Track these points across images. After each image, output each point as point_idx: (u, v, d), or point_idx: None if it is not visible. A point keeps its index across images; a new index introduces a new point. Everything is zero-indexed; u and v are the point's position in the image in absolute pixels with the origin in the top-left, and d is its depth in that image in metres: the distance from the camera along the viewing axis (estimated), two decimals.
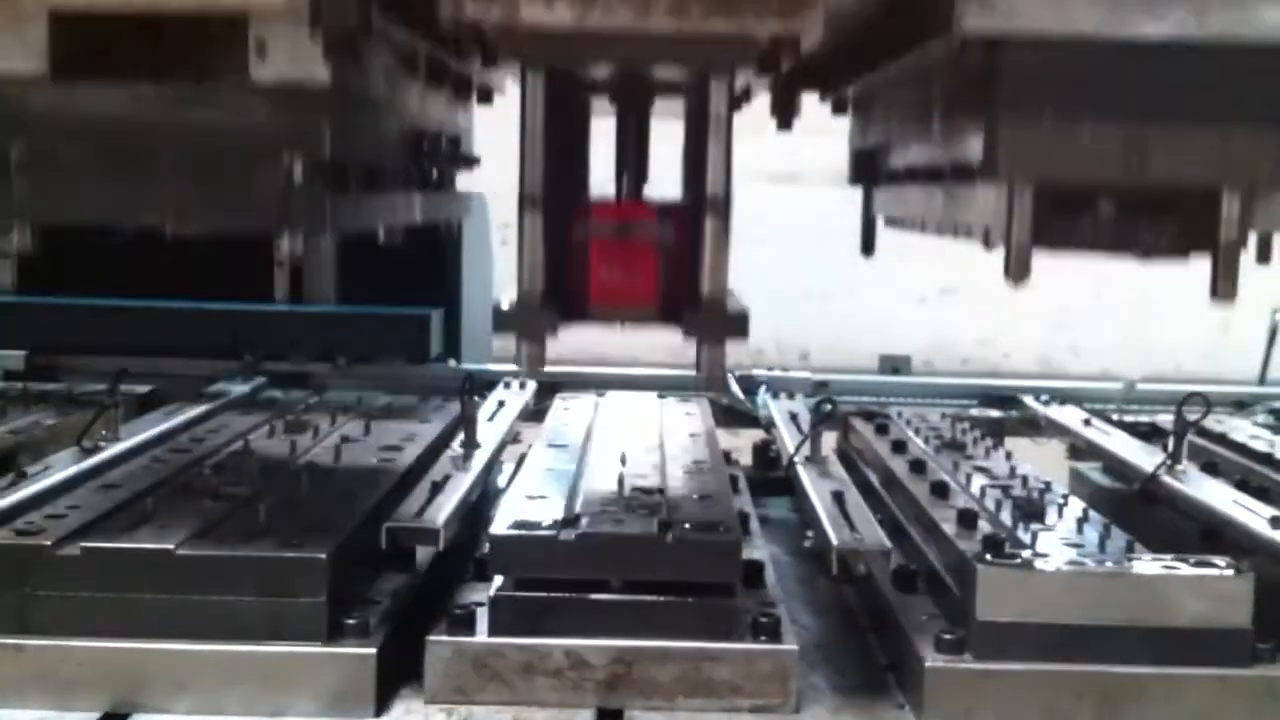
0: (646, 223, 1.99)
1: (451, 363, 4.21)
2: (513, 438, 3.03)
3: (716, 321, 1.95)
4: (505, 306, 2.00)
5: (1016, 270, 1.89)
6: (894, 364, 4.08)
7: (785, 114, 3.05)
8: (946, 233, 2.35)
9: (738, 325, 2.00)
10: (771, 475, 3.27)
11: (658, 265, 2.00)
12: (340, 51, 1.84)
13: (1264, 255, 2.05)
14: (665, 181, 2.46)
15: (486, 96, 3.20)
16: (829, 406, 2.85)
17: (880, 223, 3.11)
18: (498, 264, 4.95)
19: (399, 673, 1.97)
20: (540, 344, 1.99)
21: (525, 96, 1.97)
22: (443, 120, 2.80)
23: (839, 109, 3.09)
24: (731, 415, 3.57)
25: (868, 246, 3.12)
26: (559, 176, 2.05)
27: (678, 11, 1.78)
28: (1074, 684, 1.92)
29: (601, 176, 2.39)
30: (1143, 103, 1.84)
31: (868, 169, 2.99)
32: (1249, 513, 2.37)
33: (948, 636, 1.96)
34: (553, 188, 1.98)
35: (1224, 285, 1.93)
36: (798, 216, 7.97)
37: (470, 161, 3.13)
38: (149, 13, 1.80)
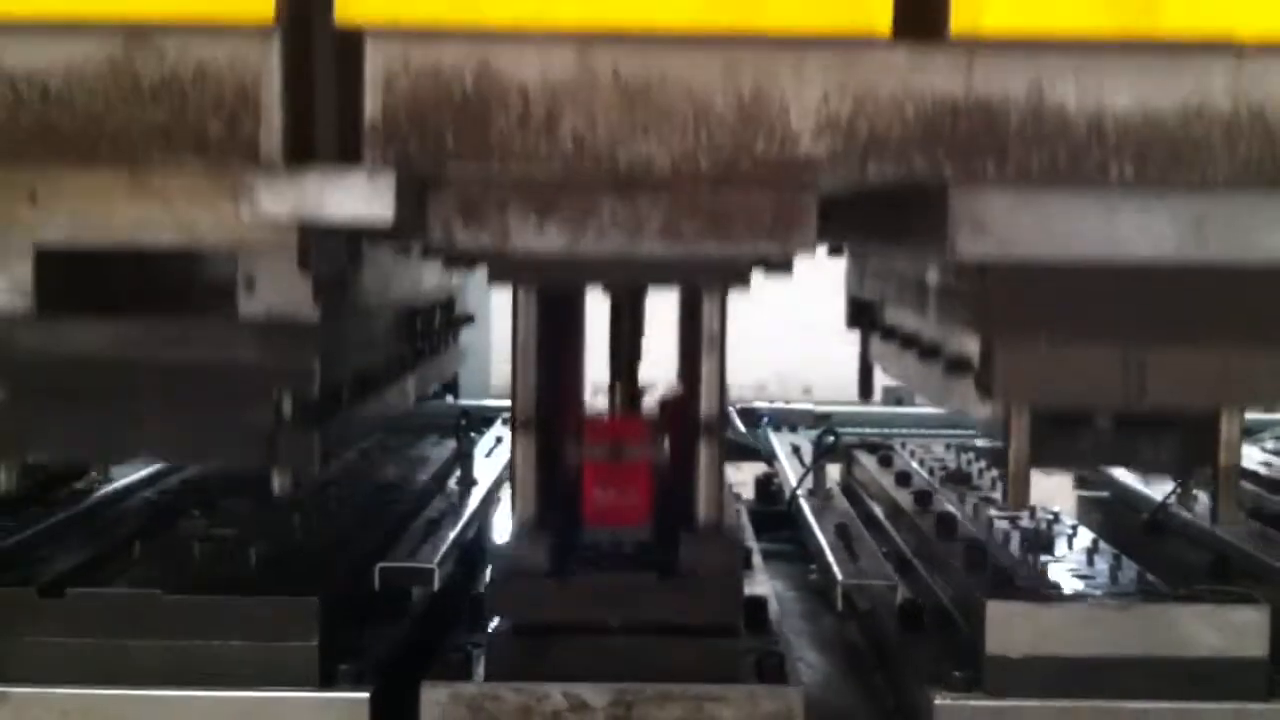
0: (639, 445, 1.97)
1: (449, 399, 4.17)
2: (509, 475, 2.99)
3: (711, 549, 1.93)
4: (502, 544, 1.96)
5: (1016, 497, 1.88)
6: (897, 395, 4.03)
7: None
8: (944, 409, 2.33)
9: (731, 555, 1.96)
10: (774, 509, 3.23)
11: (650, 484, 1.99)
12: (330, 289, 1.83)
13: None
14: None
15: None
16: (832, 439, 2.81)
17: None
18: (496, 303, 4.91)
19: (394, 718, 1.92)
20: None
21: (517, 315, 1.95)
22: (436, 288, 2.77)
23: (835, 252, 3.06)
24: (733, 449, 3.53)
25: (865, 391, 3.08)
26: (552, 381, 2.04)
27: (669, 234, 1.73)
28: (1087, 718, 1.87)
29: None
30: (1140, 324, 1.80)
31: (865, 316, 2.97)
32: (1262, 541, 2.32)
33: (957, 674, 1.91)
34: (546, 403, 1.97)
35: (1225, 510, 1.90)
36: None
37: (465, 320, 3.09)
38: (136, 249, 1.78)
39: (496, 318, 4.91)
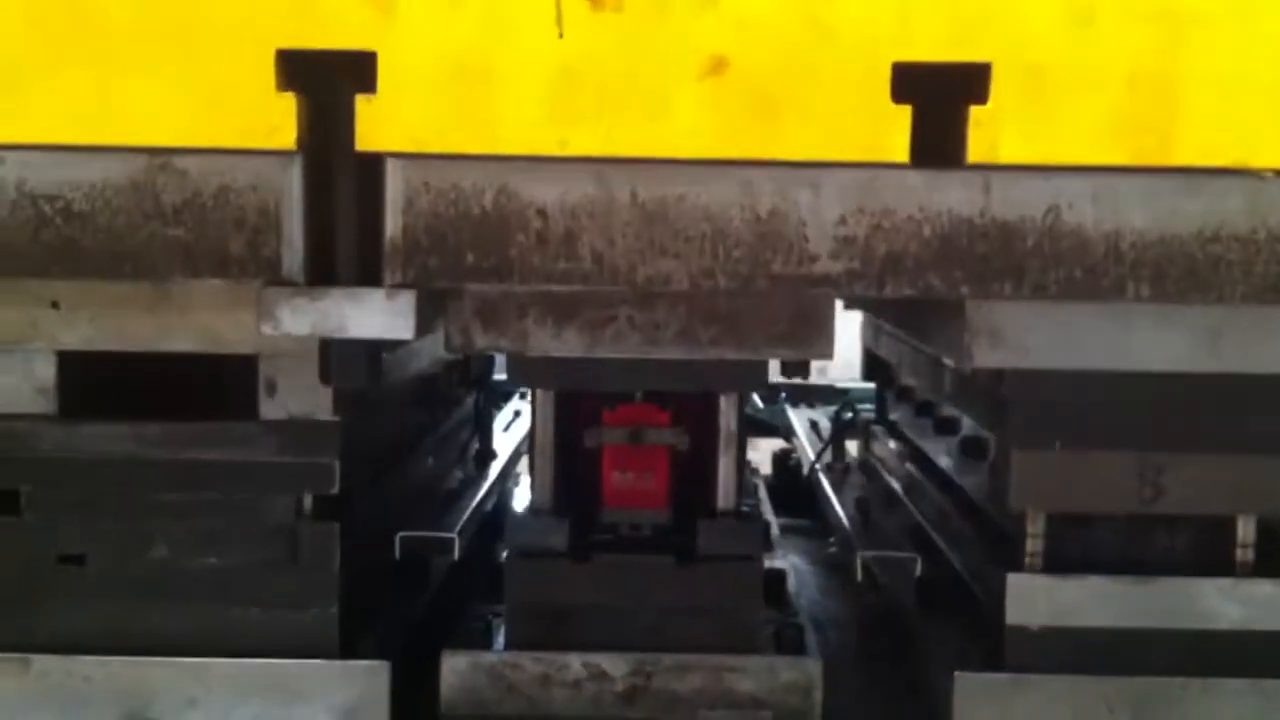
0: (658, 429, 1.98)
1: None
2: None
3: (731, 540, 1.94)
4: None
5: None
6: None
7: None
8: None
9: (751, 541, 1.98)
10: (792, 484, 3.23)
11: (669, 469, 2.00)
12: (350, 399, 1.87)
13: None
14: None
15: None
16: (850, 414, 2.80)
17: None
18: None
19: (414, 686, 1.93)
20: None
21: (535, 416, 2.00)
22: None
23: (851, 305, 3.05)
24: (751, 424, 3.52)
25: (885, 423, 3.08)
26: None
27: (686, 339, 1.74)
28: (1107, 694, 1.87)
29: None
30: (1155, 431, 1.83)
31: (881, 371, 2.96)
32: None
33: (977, 647, 1.91)
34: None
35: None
36: None
37: (479, 382, 3.07)
38: (157, 353, 1.82)
39: None
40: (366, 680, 1.84)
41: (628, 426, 1.99)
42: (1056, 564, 1.90)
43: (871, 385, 3.93)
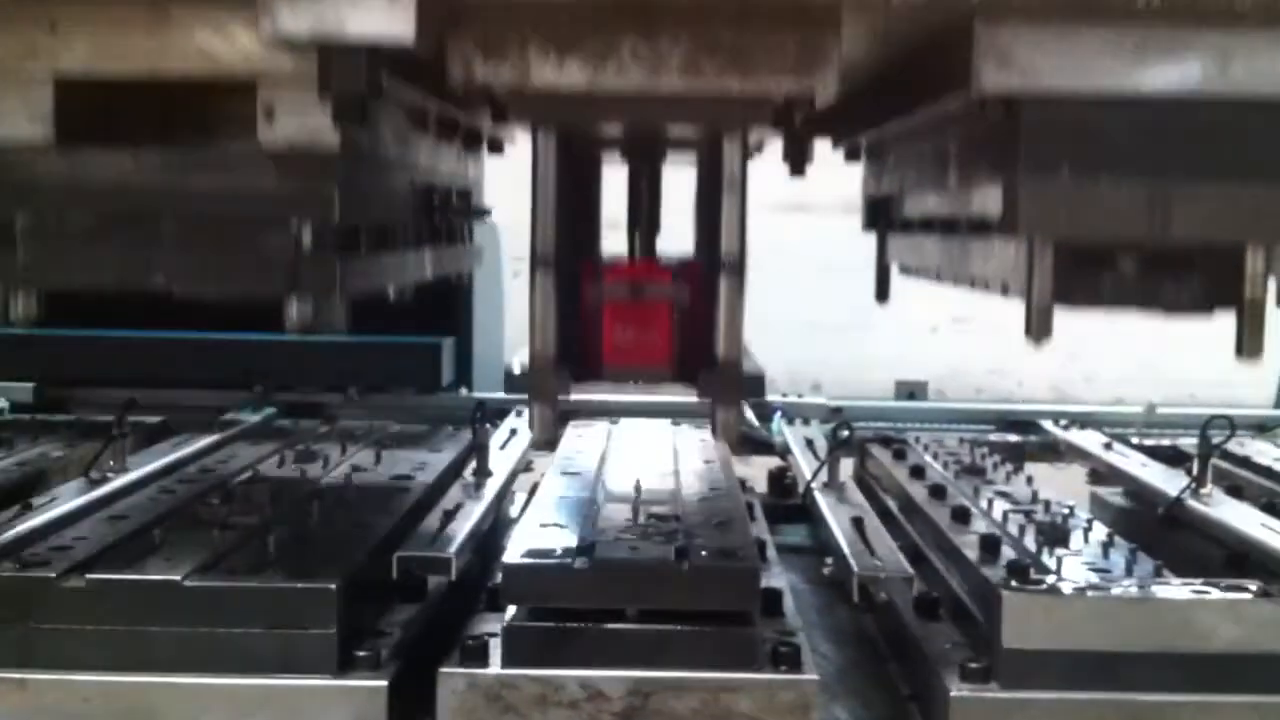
0: (659, 284, 1.96)
1: (463, 391, 4.18)
2: (525, 466, 2.99)
3: (732, 384, 1.91)
4: (517, 370, 1.98)
5: (1039, 329, 1.86)
6: (910, 389, 4.03)
7: (797, 162, 3.01)
8: (964, 285, 2.32)
9: (753, 387, 1.97)
10: (787, 502, 3.23)
11: (671, 325, 1.97)
12: (349, 115, 1.81)
13: None
14: (679, 227, 2.41)
15: (497, 147, 3.17)
16: (846, 432, 2.80)
17: (895, 269, 3.07)
18: (510, 296, 4.92)
19: (412, 705, 1.93)
20: (553, 408, 1.97)
21: (537, 156, 1.94)
22: (453, 173, 2.77)
23: (852, 156, 3.05)
24: (746, 442, 3.53)
25: (882, 293, 3.08)
26: (571, 231, 2.03)
27: (690, 71, 1.73)
28: (1104, 713, 1.87)
29: (614, 211, 2.35)
30: (1164, 159, 1.79)
31: (882, 216, 2.96)
32: (1277, 536, 2.32)
33: (973, 665, 1.91)
34: (565, 247, 1.95)
35: (1250, 342, 1.89)
36: (808, 247, 7.94)
37: (481, 213, 3.10)
38: (156, 78, 1.79)
39: (510, 308, 4.93)
40: (365, 698, 1.85)
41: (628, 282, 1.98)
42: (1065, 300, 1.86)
43: (870, 402, 3.94)
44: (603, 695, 1.88)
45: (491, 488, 2.52)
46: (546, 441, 3.07)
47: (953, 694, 1.88)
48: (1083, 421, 3.64)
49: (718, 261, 1.95)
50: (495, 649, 1.93)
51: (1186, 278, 1.90)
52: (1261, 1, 1.63)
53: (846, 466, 3.04)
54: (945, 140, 2.20)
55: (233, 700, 1.86)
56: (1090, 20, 1.66)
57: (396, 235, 2.29)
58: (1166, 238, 1.81)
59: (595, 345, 2.02)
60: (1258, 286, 1.88)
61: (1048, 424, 3.64)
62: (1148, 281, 1.88)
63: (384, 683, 1.88)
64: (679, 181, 2.45)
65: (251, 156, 1.81)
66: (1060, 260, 1.84)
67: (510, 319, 4.92)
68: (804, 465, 2.94)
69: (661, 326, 1.95)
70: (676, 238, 2.52)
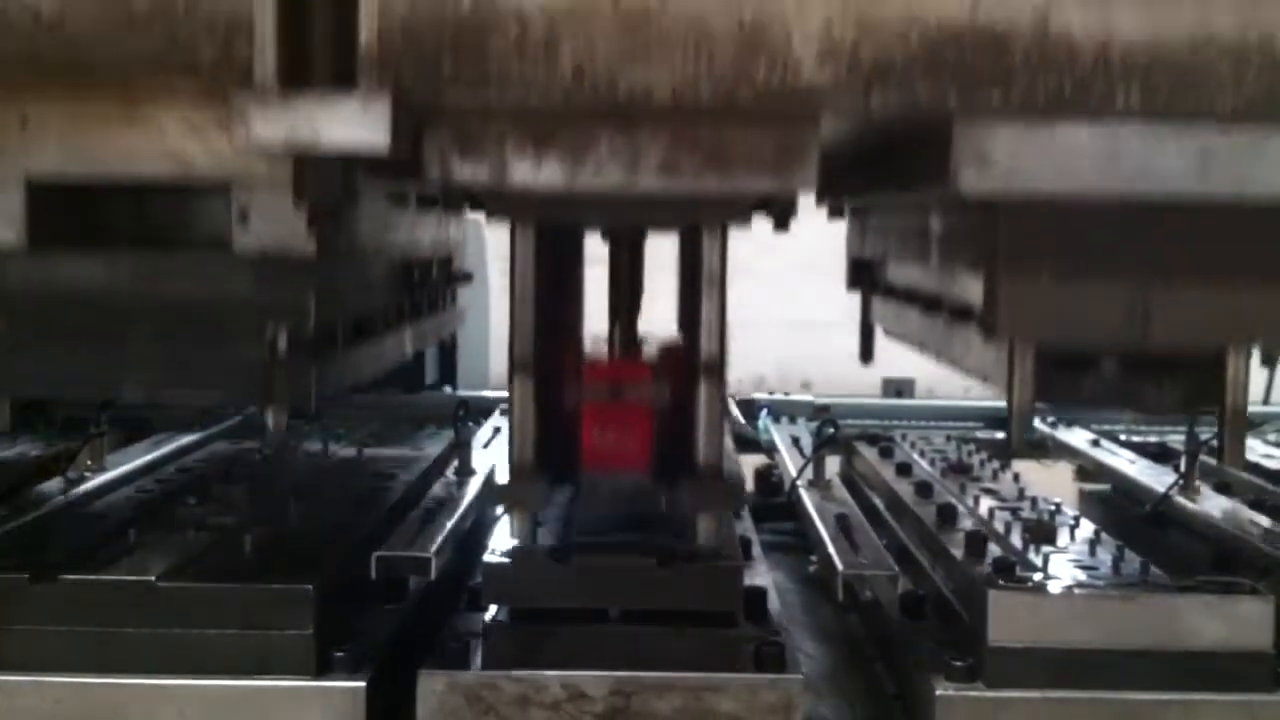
0: (639, 385, 1.94)
1: (447, 390, 4.16)
2: None
3: (711, 493, 1.90)
4: (500, 480, 1.94)
5: (1018, 435, 1.86)
6: (897, 387, 4.02)
7: (781, 220, 2.96)
8: (946, 365, 2.31)
9: (733, 496, 1.94)
10: (774, 501, 3.21)
11: (650, 427, 1.96)
12: (325, 221, 1.81)
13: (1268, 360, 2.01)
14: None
15: (480, 204, 3.11)
16: (832, 430, 2.79)
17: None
18: (495, 293, 4.90)
19: (391, 707, 1.91)
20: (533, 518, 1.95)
21: (515, 254, 1.91)
22: (434, 242, 2.74)
23: (835, 214, 3.02)
24: (733, 440, 3.51)
25: (866, 354, 3.06)
26: (553, 326, 2.00)
27: (668, 170, 1.69)
28: (1090, 712, 1.86)
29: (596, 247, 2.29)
30: (1145, 261, 1.77)
31: (865, 277, 2.94)
32: (1266, 532, 2.31)
33: (958, 664, 1.89)
34: (545, 347, 1.93)
35: (1231, 452, 1.89)
36: (795, 245, 7.94)
37: (463, 278, 3.06)
38: (128, 181, 1.76)
39: (494, 307, 4.90)
40: (343, 700, 1.82)
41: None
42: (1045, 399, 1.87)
43: (856, 400, 3.93)
44: (584, 696, 1.86)
45: (474, 486, 2.50)
46: None
47: (938, 693, 1.86)
48: (1070, 419, 3.63)
49: (698, 364, 1.92)
50: (476, 649, 1.90)
51: (1168, 380, 1.89)
52: (1243, 102, 1.63)
53: (833, 465, 3.03)
54: (928, 217, 2.20)
55: (208, 702, 1.83)
56: (1070, 121, 1.65)
57: (375, 320, 2.26)
58: (1147, 342, 1.80)
59: (575, 441, 2.00)
60: (1239, 393, 1.87)
61: (1035, 421, 3.63)
62: (1129, 384, 1.88)
63: (362, 684, 1.85)
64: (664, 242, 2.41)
65: (224, 261, 1.78)
66: (1041, 360, 1.84)
67: (494, 318, 4.90)
68: (790, 463, 2.92)
69: (641, 429, 1.94)
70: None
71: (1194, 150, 1.69)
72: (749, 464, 3.49)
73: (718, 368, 1.93)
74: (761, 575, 2.36)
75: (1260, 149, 1.69)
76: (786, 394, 3.89)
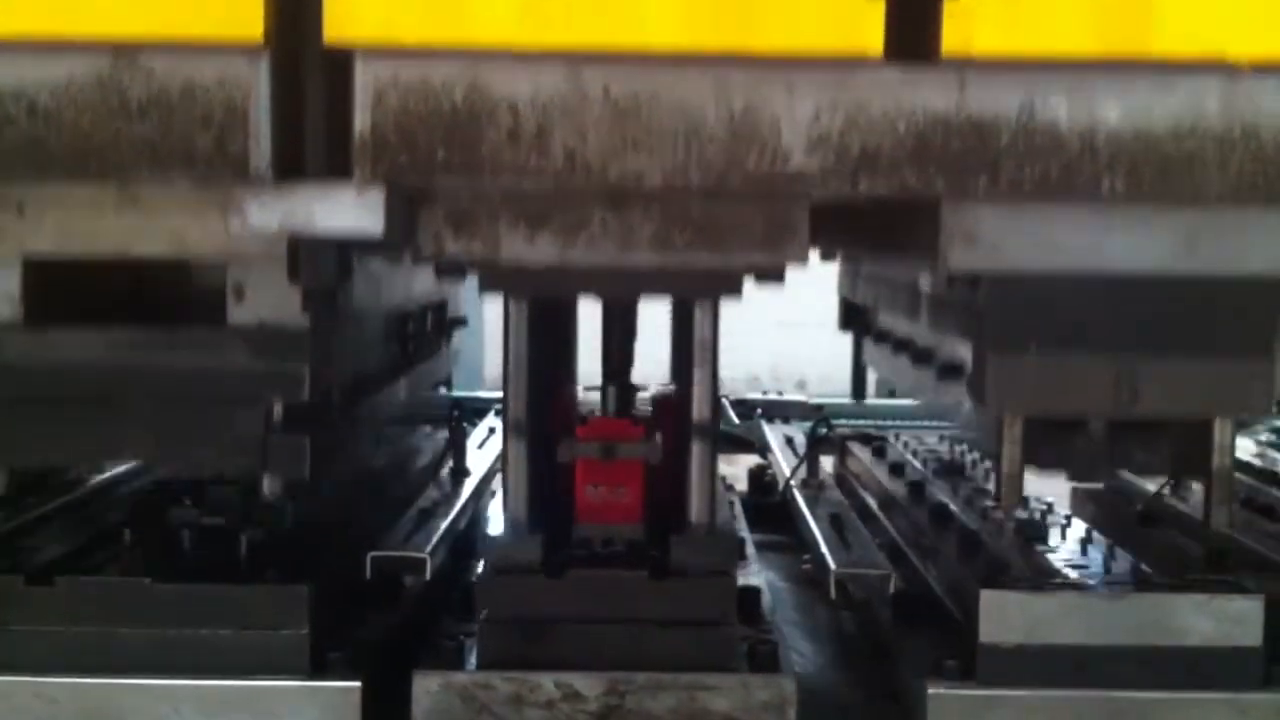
0: (631, 442, 1.97)
1: (441, 390, 4.16)
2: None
3: (705, 548, 1.92)
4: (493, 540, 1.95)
5: (1008, 498, 1.88)
6: (891, 387, 4.03)
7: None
8: (937, 420, 2.32)
9: (724, 555, 1.96)
10: (767, 500, 3.22)
11: (643, 483, 1.98)
12: (319, 300, 1.82)
13: None
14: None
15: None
16: (825, 430, 2.80)
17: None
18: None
19: (386, 706, 1.91)
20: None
21: (508, 326, 1.94)
22: (429, 291, 2.76)
23: (827, 257, 3.04)
24: (727, 440, 3.52)
25: (859, 393, 3.08)
26: (544, 385, 2.03)
27: (660, 245, 1.72)
28: (1081, 710, 1.87)
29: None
30: (1131, 335, 1.81)
31: (857, 320, 2.96)
32: (1254, 532, 2.32)
33: (950, 663, 1.90)
34: (537, 408, 1.97)
35: (1218, 514, 1.91)
36: None
37: (457, 323, 3.07)
38: (124, 259, 1.76)
39: (490, 309, 4.90)
40: (338, 699, 1.83)
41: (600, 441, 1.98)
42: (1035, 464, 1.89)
43: (847, 400, 3.93)
44: (578, 695, 1.86)
45: (468, 486, 2.51)
46: None
47: (930, 691, 1.87)
48: None
49: (689, 427, 1.95)
50: (470, 649, 1.91)
51: (1155, 444, 1.92)
52: (1228, 184, 1.65)
53: (827, 464, 3.04)
54: (917, 276, 2.22)
55: (203, 701, 1.84)
56: (1056, 204, 1.67)
57: (370, 379, 2.28)
58: (1133, 413, 1.83)
59: (568, 503, 2.03)
60: (1225, 456, 1.89)
61: None
62: (1117, 448, 1.90)
63: (357, 684, 1.85)
64: None
65: (221, 335, 1.80)
66: (1030, 426, 1.86)
67: (490, 317, 4.90)
68: (783, 463, 2.93)
69: (633, 486, 1.96)
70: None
71: (1180, 231, 1.72)
72: (743, 465, 3.51)
73: (709, 430, 1.95)
74: (755, 575, 2.38)
75: (1245, 229, 1.72)
76: (781, 393, 3.90)
